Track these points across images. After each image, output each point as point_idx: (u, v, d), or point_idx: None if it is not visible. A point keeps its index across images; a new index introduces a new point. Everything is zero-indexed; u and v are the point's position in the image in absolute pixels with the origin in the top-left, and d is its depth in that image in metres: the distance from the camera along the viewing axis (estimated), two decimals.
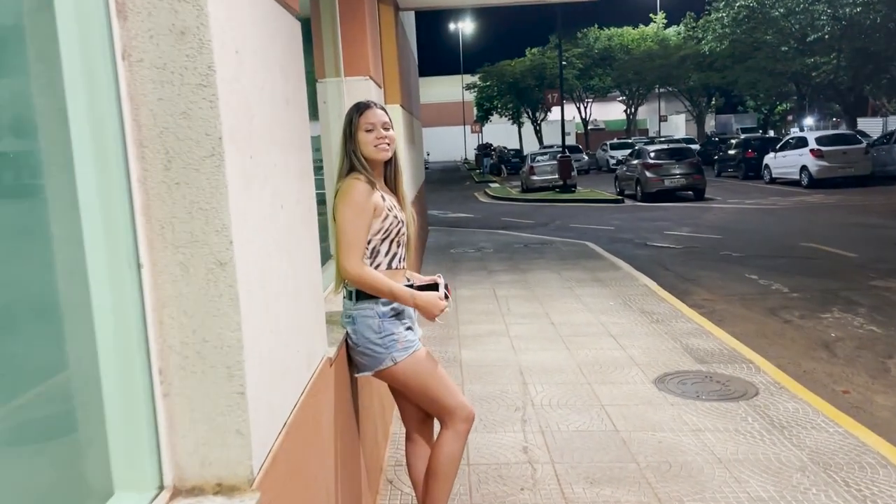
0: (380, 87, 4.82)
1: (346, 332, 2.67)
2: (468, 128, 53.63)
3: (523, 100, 45.58)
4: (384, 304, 2.59)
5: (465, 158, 56.66)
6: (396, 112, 7.07)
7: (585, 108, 48.09)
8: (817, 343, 5.94)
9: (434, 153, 55.21)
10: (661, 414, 4.27)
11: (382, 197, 2.63)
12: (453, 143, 59.58)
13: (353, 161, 2.62)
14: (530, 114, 46.60)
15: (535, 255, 10.40)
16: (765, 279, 8.47)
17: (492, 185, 29.13)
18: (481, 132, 50.29)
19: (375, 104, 2.69)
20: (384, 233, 2.59)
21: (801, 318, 6.71)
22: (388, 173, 2.74)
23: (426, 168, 43.73)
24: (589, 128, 49.50)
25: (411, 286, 2.65)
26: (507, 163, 36.42)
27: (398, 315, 2.64)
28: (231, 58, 1.50)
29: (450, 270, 9.33)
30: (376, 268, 2.59)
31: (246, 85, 1.60)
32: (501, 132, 53.97)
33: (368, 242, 2.58)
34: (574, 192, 21.82)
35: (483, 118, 50.04)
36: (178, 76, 1.41)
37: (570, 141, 36.78)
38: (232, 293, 1.45)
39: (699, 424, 4.10)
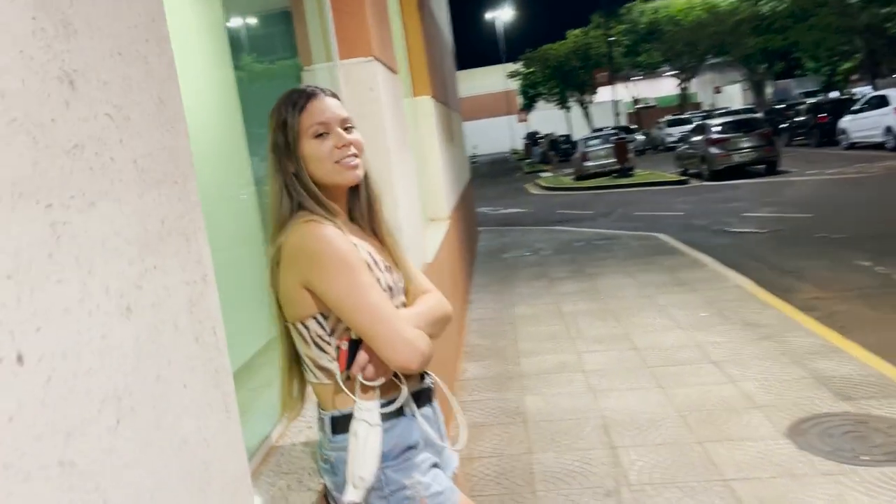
0: (393, 71, 3.71)
1: (324, 486, 1.56)
2: (514, 117, 52.24)
3: (569, 83, 44.06)
4: (387, 425, 1.47)
5: (514, 149, 55.27)
6: (427, 105, 5.93)
7: (635, 86, 46.15)
8: None
9: (481, 146, 53.98)
10: (814, 492, 3.03)
11: (369, 254, 1.54)
12: (500, 135, 58.19)
13: (297, 193, 1.51)
14: (577, 97, 44.99)
15: (601, 255, 9.11)
16: (881, 265, 7.01)
17: (543, 174, 27.75)
18: (528, 120, 48.85)
19: (324, 90, 1.57)
20: None
21: None
22: (357, 205, 1.63)
23: (473, 162, 42.71)
24: (638, 106, 47.56)
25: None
26: (557, 150, 34.87)
27: (411, 447, 1.52)
28: None
29: (504, 281, 8.15)
30: (346, 379, 1.47)
31: None
32: (549, 118, 52.37)
33: (325, 319, 1.48)
34: (632, 175, 20.34)
35: (528, 106, 48.67)
36: None
37: (621, 121, 35.12)
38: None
39: None
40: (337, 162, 1.51)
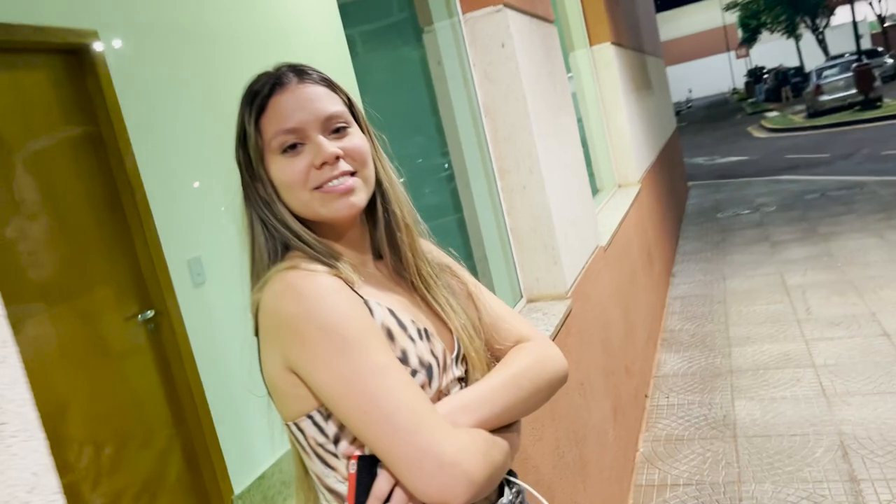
0: (544, 19, 3.04)
1: None
2: (733, 54, 47.67)
3: (798, 6, 39.04)
4: None
5: (734, 88, 50.58)
6: (607, 53, 5.13)
7: (880, 1, 39.81)
8: None
9: (696, 89, 50.06)
10: None
11: (390, 312, 1.00)
12: (717, 75, 53.45)
13: (275, 230, 1.00)
14: (809, 22, 39.82)
15: (839, 209, 7.63)
16: None
17: (768, 115, 24.84)
18: (748, 56, 44.28)
19: (301, 73, 1.01)
20: None
21: None
22: (377, 237, 1.08)
23: (689, 107, 39.66)
24: (886, 24, 40.99)
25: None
26: (787, 84, 31.01)
27: None
28: None
29: (716, 247, 7.09)
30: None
31: None
32: (774, 51, 47.08)
33: (325, 418, 0.93)
34: (880, 106, 17.37)
35: (750, 39, 44.06)
36: None
37: (865, 45, 30.37)
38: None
39: None
40: (318, 188, 0.97)
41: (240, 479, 3.13)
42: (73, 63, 2.78)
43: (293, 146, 0.96)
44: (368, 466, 0.91)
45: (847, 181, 9.22)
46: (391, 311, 0.97)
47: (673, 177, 8.59)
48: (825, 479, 2.86)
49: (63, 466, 2.40)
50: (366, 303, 0.95)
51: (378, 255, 1.08)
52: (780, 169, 11.93)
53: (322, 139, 0.96)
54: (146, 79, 3.10)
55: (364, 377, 0.87)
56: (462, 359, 1.06)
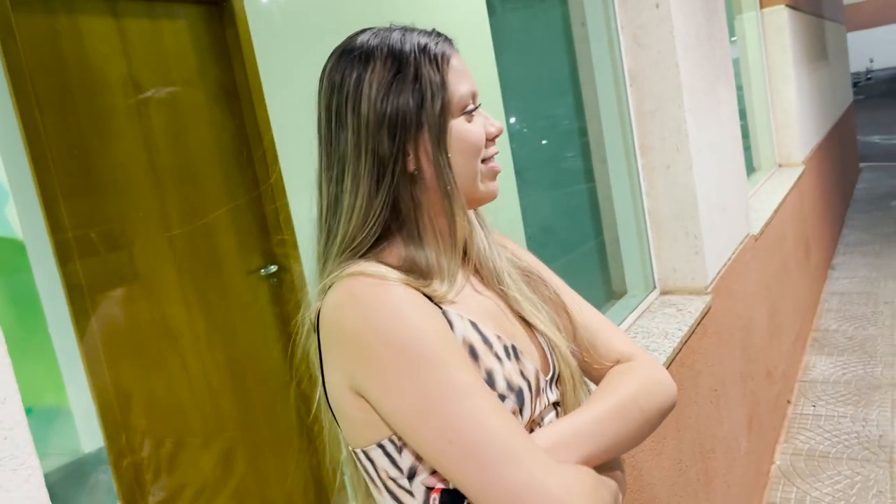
0: None
1: None
2: None
3: None
4: None
5: None
6: (779, 17, 4.61)
7: None
8: None
9: (879, 59, 45.34)
10: None
11: (473, 326, 0.85)
12: None
13: (407, 209, 0.84)
14: None
15: None
16: None
17: None
18: None
19: (442, 36, 0.88)
20: None
21: None
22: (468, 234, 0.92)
23: (868, 79, 36.06)
24: None
25: None
26: None
27: None
28: None
29: (888, 240, 6.34)
30: None
31: None
32: None
33: (398, 449, 0.79)
34: None
35: None
36: None
37: None
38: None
39: None
40: (484, 161, 0.87)
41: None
42: (213, 14, 2.79)
43: (470, 113, 0.86)
44: (454, 499, 0.77)
45: None
46: (474, 325, 0.82)
47: (843, 157, 7.76)
48: None
49: (178, 403, 2.47)
50: (444, 314, 0.80)
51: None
52: None
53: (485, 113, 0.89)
54: (285, 33, 3.08)
55: (446, 402, 0.73)
56: (556, 380, 0.90)
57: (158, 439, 2.31)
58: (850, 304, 4.88)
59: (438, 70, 0.82)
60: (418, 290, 0.79)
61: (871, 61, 43.51)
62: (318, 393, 0.88)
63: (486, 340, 0.82)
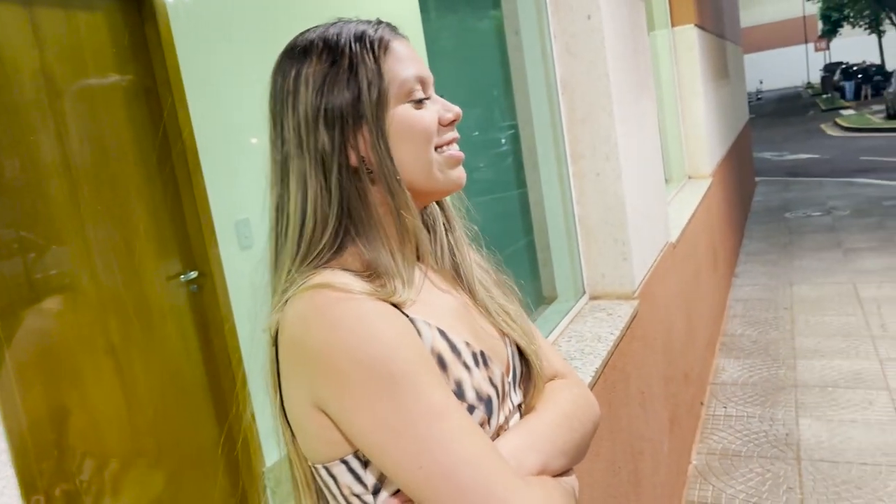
0: None
1: None
2: (811, 46, 45.77)
3: (885, 1, 37.14)
4: None
5: (808, 83, 48.64)
6: (689, 36, 4.83)
7: None
8: None
9: (769, 81, 48.27)
10: None
11: (442, 335, 0.81)
12: (792, 67, 51.38)
13: (356, 210, 0.81)
14: (894, 18, 37.88)
15: None
16: None
17: (844, 112, 23.77)
18: (828, 49, 42.42)
19: (391, 25, 0.87)
20: None
21: None
22: (433, 229, 0.91)
23: (758, 99, 38.27)
24: None
25: None
26: (869, 82, 29.47)
27: None
28: None
29: (784, 249, 6.73)
30: None
31: None
32: (854, 47, 44.98)
33: (364, 466, 0.76)
34: None
35: (830, 32, 42.21)
36: None
37: None
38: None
39: None
40: (439, 148, 0.83)
41: (271, 453, 3.03)
42: (132, 8, 2.65)
43: (420, 99, 0.82)
44: None
45: None
46: (442, 333, 0.79)
47: (742, 171, 8.19)
48: None
49: (93, 418, 2.32)
50: (412, 322, 0.77)
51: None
52: (854, 171, 11.34)
53: (440, 98, 0.85)
54: (207, 30, 2.97)
55: (417, 424, 0.70)
56: (519, 381, 0.89)
57: (71, 455, 2.16)
58: (753, 309, 5.14)
59: (375, 58, 0.80)
60: (385, 300, 0.76)
61: (761, 83, 46.23)
62: (273, 405, 0.83)
63: (454, 349, 0.79)
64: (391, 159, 0.79)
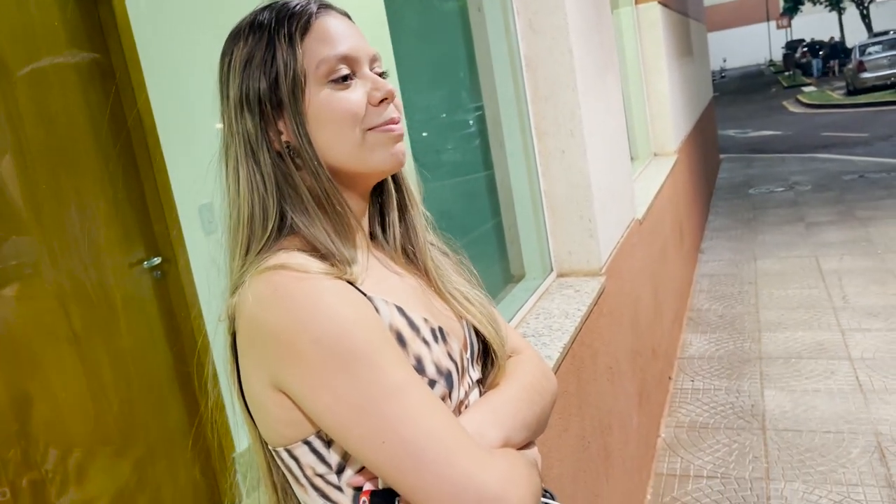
0: None
1: None
2: (773, 24, 46.31)
3: None
4: None
5: (771, 60, 49.23)
6: (653, 13, 4.84)
7: None
8: None
9: (731, 59, 48.77)
10: None
11: (400, 312, 0.81)
12: (755, 45, 52.00)
13: (290, 195, 0.80)
14: None
15: (879, 193, 7.33)
16: None
17: (805, 89, 24.14)
18: (790, 27, 42.97)
19: (330, 5, 0.83)
20: None
21: None
22: (383, 211, 0.91)
23: (722, 77, 38.65)
24: None
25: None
26: (836, 58, 29.82)
27: None
28: None
29: (747, 225, 6.84)
30: None
31: None
32: (814, 24, 45.66)
33: (327, 445, 0.75)
34: None
35: (792, 9, 42.75)
36: None
37: None
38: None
39: None
40: (372, 129, 0.80)
41: (241, 438, 3.01)
42: None
43: (344, 78, 0.78)
44: (386, 498, 0.74)
45: (888, 163, 8.87)
46: (400, 310, 0.79)
47: (707, 148, 8.28)
48: (860, 482, 2.69)
49: (55, 406, 2.28)
50: (370, 300, 0.76)
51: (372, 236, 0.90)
52: (815, 146, 11.54)
53: (373, 74, 0.81)
54: (165, 10, 2.89)
55: (379, 401, 0.69)
56: (476, 357, 0.89)
57: (36, 445, 2.12)
58: (719, 284, 5.22)
59: (291, 39, 0.77)
60: (341, 279, 0.75)
61: (725, 61, 46.70)
62: (231, 391, 0.83)
63: (412, 325, 0.79)
64: (311, 144, 0.78)
